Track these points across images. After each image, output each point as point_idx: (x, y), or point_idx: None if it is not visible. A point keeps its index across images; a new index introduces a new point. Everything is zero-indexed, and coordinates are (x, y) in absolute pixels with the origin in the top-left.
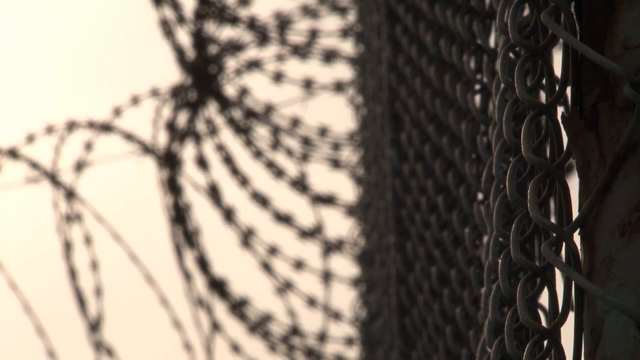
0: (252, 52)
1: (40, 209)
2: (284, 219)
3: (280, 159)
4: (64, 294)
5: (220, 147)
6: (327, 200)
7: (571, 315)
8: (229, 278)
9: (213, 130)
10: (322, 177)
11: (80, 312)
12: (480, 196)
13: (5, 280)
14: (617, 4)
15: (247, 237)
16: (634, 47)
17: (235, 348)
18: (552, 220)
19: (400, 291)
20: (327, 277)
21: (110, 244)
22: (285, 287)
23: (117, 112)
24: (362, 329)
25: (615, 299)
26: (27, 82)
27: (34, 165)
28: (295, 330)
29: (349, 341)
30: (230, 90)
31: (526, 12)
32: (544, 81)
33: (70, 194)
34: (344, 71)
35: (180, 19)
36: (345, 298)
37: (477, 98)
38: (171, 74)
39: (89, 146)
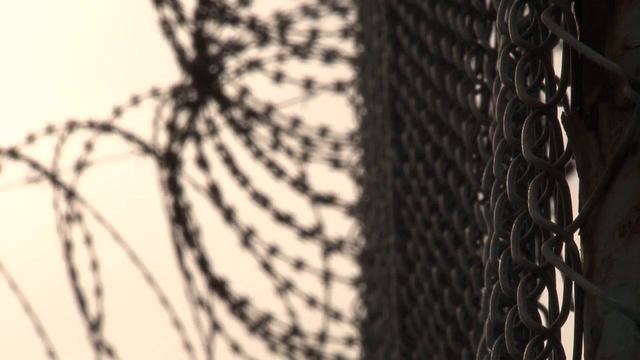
0: (252, 52)
1: (41, 209)
2: (284, 219)
3: (281, 159)
4: (64, 294)
5: (221, 147)
6: (327, 200)
7: (571, 315)
8: (229, 278)
9: (213, 130)
10: (322, 177)
11: (80, 312)
12: (480, 196)
13: (6, 280)
14: (617, 4)
15: (247, 237)
16: (634, 47)
17: (235, 348)
18: (552, 220)
19: (401, 291)
20: (327, 277)
21: (110, 244)
22: (285, 287)
23: (117, 112)
24: (362, 329)
25: (615, 299)
26: (27, 82)
27: (34, 165)
28: (295, 330)
29: (349, 341)
30: (230, 90)
31: (526, 12)
32: (544, 81)
33: (70, 194)
34: (344, 71)
35: (181, 19)
36: (345, 298)
37: (478, 98)
38: (171, 74)
39: (89, 146)
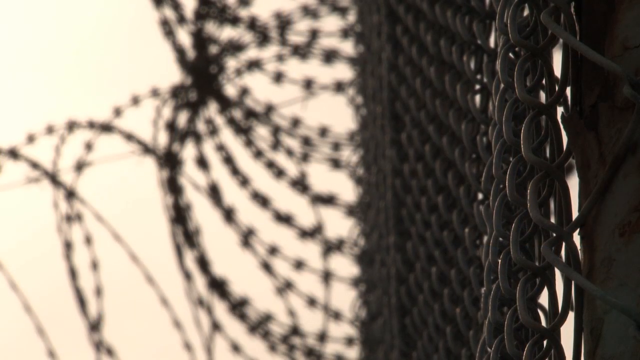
0: (252, 52)
1: (41, 209)
2: (284, 219)
3: (281, 159)
4: (64, 294)
5: (221, 147)
6: (327, 200)
7: (571, 315)
8: (229, 278)
9: (213, 131)
10: (322, 177)
11: (80, 312)
12: (480, 196)
13: (6, 280)
14: (617, 4)
15: (247, 237)
16: (633, 47)
17: (235, 348)
18: (552, 220)
19: (401, 291)
20: (327, 277)
21: (110, 244)
22: (285, 287)
23: (118, 112)
24: (362, 329)
25: (615, 299)
26: (27, 82)
27: (35, 165)
28: (295, 330)
29: (349, 341)
30: (230, 90)
31: (526, 12)
32: (543, 81)
33: (70, 194)
34: (344, 71)
35: (181, 19)
36: (345, 298)
37: (477, 98)
38: (171, 74)
39: (89, 146)
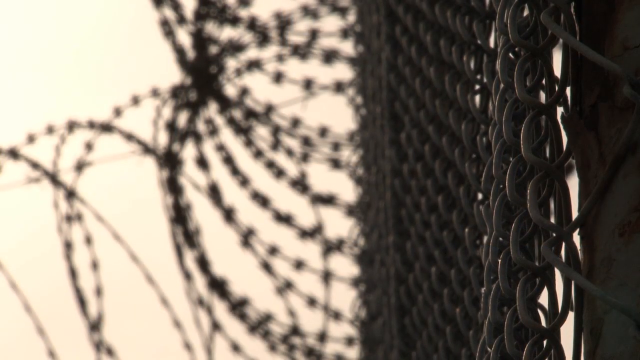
0: (252, 52)
1: (41, 209)
2: (284, 219)
3: (281, 159)
4: (64, 293)
5: (221, 147)
6: (327, 200)
7: (571, 315)
8: (229, 278)
9: (213, 131)
10: (322, 177)
11: (80, 312)
12: (480, 196)
13: (6, 280)
14: (617, 4)
15: (247, 237)
16: (633, 47)
17: (235, 348)
18: (552, 220)
19: (400, 291)
20: (327, 277)
21: (110, 243)
22: (285, 287)
23: (118, 112)
24: (362, 329)
25: (615, 299)
26: (27, 82)
27: (35, 165)
28: (295, 330)
29: (349, 341)
30: (230, 90)
31: (526, 12)
32: (543, 81)
33: (70, 194)
34: (344, 71)
35: (181, 20)
36: (345, 298)
37: (477, 98)
38: (171, 74)
39: (89, 146)
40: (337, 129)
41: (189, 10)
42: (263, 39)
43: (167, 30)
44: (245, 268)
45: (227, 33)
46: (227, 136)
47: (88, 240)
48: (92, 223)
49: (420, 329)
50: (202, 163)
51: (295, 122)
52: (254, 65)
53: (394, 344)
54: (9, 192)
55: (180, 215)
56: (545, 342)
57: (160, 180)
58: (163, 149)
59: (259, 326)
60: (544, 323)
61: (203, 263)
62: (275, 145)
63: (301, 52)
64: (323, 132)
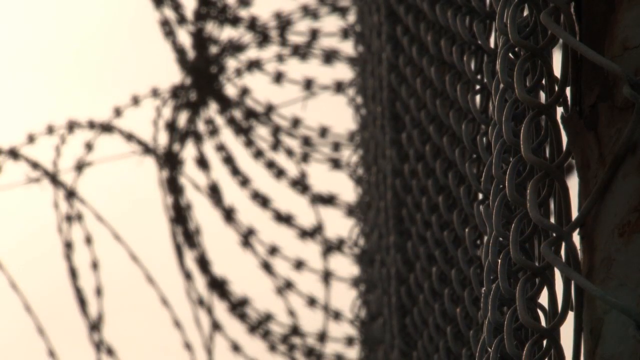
0: (252, 52)
1: (41, 209)
2: (284, 219)
3: (281, 159)
4: (65, 293)
5: (221, 147)
6: (327, 200)
7: (571, 315)
8: (229, 278)
9: (213, 131)
10: (322, 177)
11: (80, 311)
12: (480, 196)
13: (6, 280)
14: (616, 4)
15: (247, 237)
16: (633, 48)
17: (235, 348)
18: (552, 220)
19: (401, 291)
20: (327, 277)
21: (110, 243)
22: (285, 287)
23: (117, 112)
24: (362, 329)
25: (615, 299)
26: (27, 82)
27: (35, 165)
28: (295, 330)
29: (349, 341)
30: (230, 90)
31: (526, 12)
32: (543, 81)
33: (70, 194)
34: (344, 71)
35: (181, 20)
36: (345, 298)
37: (478, 98)
38: (171, 74)
39: (89, 146)
40: (337, 129)
41: (189, 10)
42: (263, 39)
43: (168, 30)
44: (245, 268)
45: (227, 33)
46: (227, 136)
47: (88, 240)
48: (92, 223)
49: (421, 328)
50: (202, 163)
51: (295, 122)
52: (254, 65)
53: (394, 344)
54: (9, 192)
55: (180, 215)
56: (545, 342)
57: (160, 180)
58: (163, 149)
59: (259, 326)
60: (543, 323)
61: (203, 263)
62: (275, 145)
63: (301, 52)
64: (323, 132)
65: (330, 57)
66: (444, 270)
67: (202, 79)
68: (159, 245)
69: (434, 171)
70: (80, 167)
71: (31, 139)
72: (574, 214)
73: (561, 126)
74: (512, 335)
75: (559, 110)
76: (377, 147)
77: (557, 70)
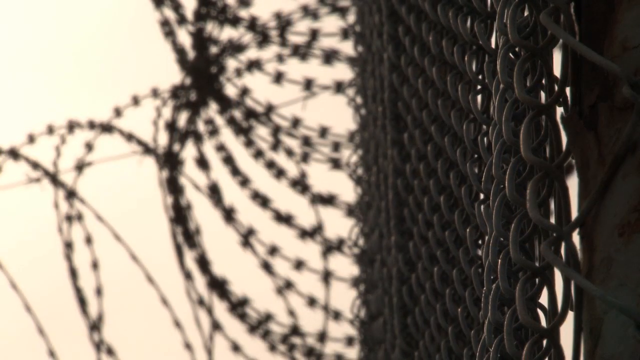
0: (252, 52)
1: (41, 209)
2: (284, 219)
3: (281, 159)
4: (65, 293)
5: (221, 147)
6: (327, 200)
7: (570, 315)
8: (229, 278)
9: (213, 131)
10: (322, 177)
11: (81, 311)
12: (482, 196)
13: (6, 280)
14: (616, 4)
15: (247, 237)
16: (633, 48)
17: (235, 348)
18: (552, 220)
19: (402, 291)
20: (327, 277)
21: (110, 243)
22: (285, 287)
23: (118, 112)
24: (362, 329)
25: (615, 299)
26: (27, 82)
27: (35, 165)
28: (295, 330)
29: (349, 341)
30: (230, 90)
31: (526, 12)
32: (543, 81)
33: (70, 194)
34: (344, 71)
35: (181, 20)
36: (345, 298)
37: (479, 98)
38: (171, 74)
39: (89, 146)
40: (337, 129)
41: (189, 11)
42: (263, 39)
43: (168, 30)
44: (245, 268)
45: (227, 33)
46: (227, 136)
47: (88, 240)
48: (92, 223)
49: (422, 328)
50: (202, 163)
51: (295, 122)
52: (254, 65)
53: (396, 344)
54: (9, 192)
55: (180, 215)
56: (544, 342)
57: (160, 180)
58: (163, 149)
59: (259, 326)
60: (543, 323)
61: (203, 263)
62: (275, 145)
63: (301, 52)
64: (323, 132)
65: (330, 57)
66: (445, 270)
67: (202, 79)
68: (159, 245)
69: (436, 171)
70: (80, 167)
71: (31, 139)
72: (574, 214)
73: (561, 126)
74: (512, 335)
75: (559, 110)
76: (377, 147)
77: (557, 70)
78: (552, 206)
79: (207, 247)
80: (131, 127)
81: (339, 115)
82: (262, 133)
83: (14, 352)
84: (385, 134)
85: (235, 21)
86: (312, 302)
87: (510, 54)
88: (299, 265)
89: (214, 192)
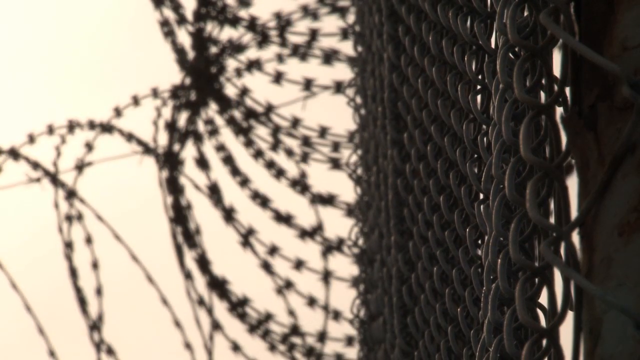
0: (252, 52)
1: (41, 209)
2: (284, 219)
3: (281, 159)
4: (65, 293)
5: (221, 147)
6: (327, 200)
7: (570, 315)
8: (229, 278)
9: (213, 131)
10: (322, 177)
11: (81, 311)
12: (481, 196)
13: (6, 280)
14: (616, 4)
15: (247, 237)
16: (633, 48)
17: (235, 348)
18: (551, 220)
19: (402, 290)
20: (327, 277)
21: (110, 243)
22: (285, 287)
23: (118, 112)
24: (362, 329)
25: (614, 299)
26: (27, 82)
27: (35, 165)
28: (295, 330)
29: (349, 341)
30: (230, 90)
31: (526, 12)
32: (543, 81)
33: (70, 194)
34: (344, 71)
35: (181, 20)
36: (345, 298)
37: (478, 98)
38: (171, 74)
39: (89, 146)
40: (337, 129)
41: (189, 11)
42: (263, 39)
43: (168, 30)
44: (245, 268)
45: (227, 33)
46: (227, 136)
47: (88, 240)
48: (92, 223)
49: (422, 328)
50: (202, 163)
51: (295, 122)
52: (254, 65)
53: (395, 343)
54: (9, 192)
55: (180, 215)
56: (544, 342)
57: (160, 180)
58: (163, 149)
59: (259, 326)
60: (543, 323)
61: (203, 263)
62: (275, 145)
63: (301, 52)
64: (323, 132)
65: (330, 57)
66: (445, 270)
67: (202, 79)
68: (159, 245)
69: (435, 171)
70: (80, 167)
71: (31, 139)
72: (574, 213)
73: (561, 126)
74: (511, 334)
75: (559, 110)
76: (377, 147)
77: (556, 70)
78: (552, 206)
79: (207, 247)
80: (131, 127)
81: (339, 115)
82: (262, 133)
83: (14, 352)
84: (385, 134)
85: (235, 21)
86: (312, 302)
87: (510, 54)
88: (299, 265)
89: (214, 192)
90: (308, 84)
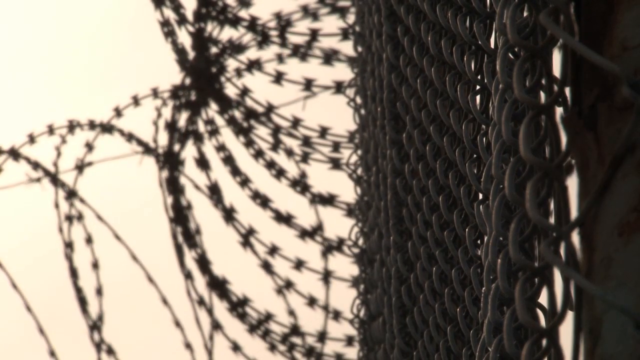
0: (252, 53)
1: (42, 209)
2: (284, 219)
3: (281, 159)
4: (65, 293)
5: (221, 147)
6: (327, 200)
7: (570, 315)
8: (229, 278)
9: (213, 131)
10: (322, 177)
11: (81, 311)
12: (481, 196)
13: (7, 280)
14: (616, 4)
15: (247, 237)
16: (632, 48)
17: (235, 348)
18: (551, 220)
19: (401, 290)
20: (327, 277)
21: (111, 243)
22: (285, 287)
23: (118, 112)
24: (362, 329)
25: (614, 299)
26: (27, 82)
27: (35, 165)
28: (295, 330)
29: (349, 341)
30: (230, 90)
31: (526, 13)
32: (543, 81)
33: (71, 194)
34: (344, 71)
35: (181, 20)
36: (345, 298)
37: (478, 98)
38: (171, 74)
39: (89, 146)
40: (337, 129)
41: (189, 11)
42: (263, 39)
43: (168, 30)
44: (245, 268)
45: (227, 33)
46: (227, 136)
47: (88, 240)
48: (92, 223)
49: (421, 328)
50: (202, 163)
51: (295, 122)
52: (254, 65)
53: (395, 343)
54: (9, 192)
55: (180, 215)
56: (544, 342)
57: (161, 180)
58: (163, 149)
59: (259, 326)
60: (543, 323)
61: (203, 263)
62: (275, 145)
63: (301, 52)
64: (323, 132)
65: (330, 57)
66: (444, 270)
67: (202, 79)
68: (159, 245)
69: (434, 171)
70: (80, 167)
71: (31, 139)
72: (574, 214)
73: (560, 126)
74: (511, 334)
75: (559, 110)
76: (377, 147)
77: (556, 71)
78: (552, 206)
79: (207, 247)
80: (131, 127)
81: (339, 115)
82: (262, 133)
83: (14, 352)
84: (384, 134)
85: (235, 21)
86: (312, 302)
87: (510, 54)
88: (299, 265)
89: (214, 192)
90: (308, 84)
